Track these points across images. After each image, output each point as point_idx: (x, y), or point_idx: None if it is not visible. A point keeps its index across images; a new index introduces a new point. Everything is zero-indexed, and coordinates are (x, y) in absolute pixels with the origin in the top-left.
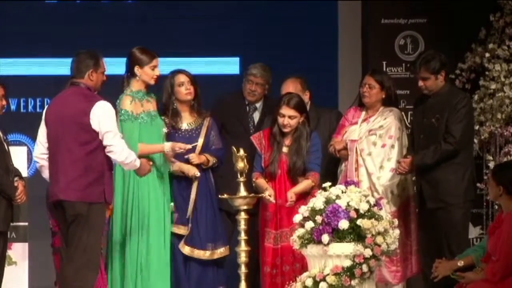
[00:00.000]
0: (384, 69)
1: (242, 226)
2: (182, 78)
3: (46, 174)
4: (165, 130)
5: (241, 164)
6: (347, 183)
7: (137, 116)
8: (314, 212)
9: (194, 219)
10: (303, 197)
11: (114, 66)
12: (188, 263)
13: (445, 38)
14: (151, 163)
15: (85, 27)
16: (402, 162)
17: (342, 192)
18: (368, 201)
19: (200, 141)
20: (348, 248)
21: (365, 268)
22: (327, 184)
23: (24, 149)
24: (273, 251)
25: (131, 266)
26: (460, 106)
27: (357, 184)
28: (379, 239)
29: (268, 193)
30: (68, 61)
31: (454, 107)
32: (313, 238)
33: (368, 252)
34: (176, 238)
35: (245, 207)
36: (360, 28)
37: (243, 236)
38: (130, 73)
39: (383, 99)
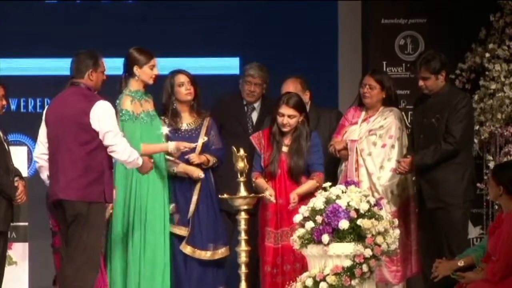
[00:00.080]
0: (384, 69)
1: (242, 226)
2: (182, 78)
3: (44, 175)
4: (167, 130)
5: (241, 164)
6: (347, 183)
7: (137, 116)
8: (314, 212)
9: (195, 220)
10: (307, 197)
11: (114, 66)
12: (188, 263)
13: (445, 38)
14: (152, 160)
15: (85, 27)
16: (402, 162)
17: (342, 192)
18: (368, 201)
19: (200, 141)
20: (348, 248)
21: (365, 268)
22: (327, 184)
23: (24, 149)
24: (273, 250)
25: (133, 266)
26: (460, 106)
27: (357, 184)
28: (379, 239)
29: (269, 193)
30: (68, 61)
31: (454, 107)
32: (313, 238)
33: (368, 252)
34: (176, 238)
35: (245, 207)
36: (360, 28)
37: (243, 236)
38: (129, 73)
39: (383, 99)
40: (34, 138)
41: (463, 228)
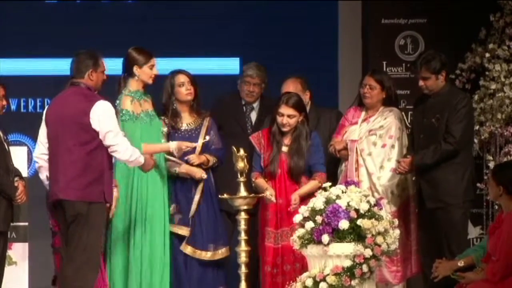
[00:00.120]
0: (384, 69)
1: (242, 226)
2: (182, 78)
3: (43, 175)
4: (165, 129)
5: (241, 164)
6: (347, 183)
7: (137, 116)
8: (314, 212)
9: (196, 220)
10: (307, 197)
11: (114, 66)
12: (188, 263)
13: (445, 38)
14: (154, 157)
15: (85, 27)
16: (401, 162)
17: (342, 192)
18: (368, 201)
19: (200, 141)
20: (348, 248)
21: (365, 268)
22: (327, 184)
23: (24, 149)
24: (273, 250)
25: (135, 265)
26: (460, 106)
27: (357, 184)
28: (379, 239)
29: (269, 193)
30: (68, 61)
31: (454, 107)
32: (313, 238)
33: (368, 252)
34: (176, 238)
35: (245, 207)
36: (360, 28)
37: (243, 236)
38: (128, 73)
39: (383, 99)
40: (34, 138)
41: (463, 228)
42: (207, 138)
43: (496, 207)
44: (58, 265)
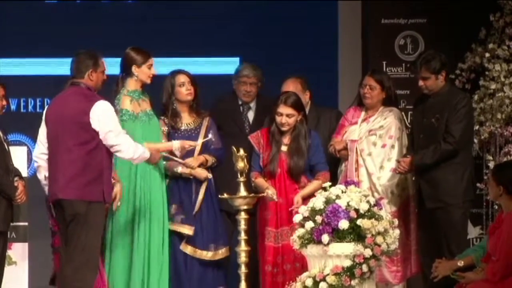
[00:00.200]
0: (384, 69)
1: (242, 226)
2: (182, 78)
3: (41, 175)
4: (165, 129)
5: (241, 164)
6: (347, 183)
7: (137, 115)
8: (314, 212)
9: (197, 220)
10: (308, 197)
11: (114, 66)
12: (188, 263)
13: (445, 38)
14: (160, 147)
15: (85, 27)
16: (401, 162)
17: (342, 192)
18: (368, 201)
19: (200, 141)
20: (348, 248)
21: (365, 268)
22: (327, 184)
23: (24, 149)
24: (274, 249)
25: (138, 262)
26: (460, 106)
27: (357, 184)
28: (379, 239)
29: (271, 192)
30: (68, 61)
31: (454, 107)
32: (313, 238)
33: (368, 252)
34: (177, 237)
35: (245, 207)
36: (360, 28)
37: (243, 236)
38: (126, 73)
39: (383, 99)
40: (34, 138)
41: (462, 228)
42: (209, 136)
43: (496, 207)
44: (57, 265)
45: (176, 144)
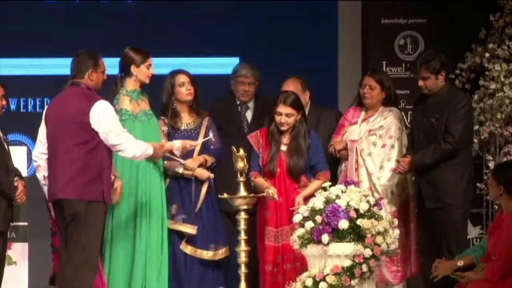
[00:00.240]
0: (384, 69)
1: (242, 226)
2: (182, 78)
3: (41, 174)
4: (164, 129)
5: (241, 164)
6: (347, 183)
7: (136, 115)
8: (314, 212)
9: (198, 219)
10: (309, 197)
11: (114, 66)
12: (188, 262)
13: (445, 38)
14: (165, 144)
15: (85, 27)
16: (401, 162)
17: (342, 192)
18: (368, 201)
19: (200, 141)
20: (348, 248)
21: (365, 268)
22: (327, 184)
23: (24, 149)
24: (274, 249)
25: (139, 261)
26: (459, 106)
27: (357, 184)
28: (379, 239)
29: (272, 191)
30: (68, 61)
31: (454, 107)
32: (313, 238)
33: (368, 252)
34: (177, 237)
35: (245, 207)
36: (360, 28)
37: (243, 236)
38: (125, 72)
39: (383, 99)
40: (34, 138)
41: (462, 228)
42: (210, 135)
43: (496, 207)
44: (57, 265)
45: (177, 144)
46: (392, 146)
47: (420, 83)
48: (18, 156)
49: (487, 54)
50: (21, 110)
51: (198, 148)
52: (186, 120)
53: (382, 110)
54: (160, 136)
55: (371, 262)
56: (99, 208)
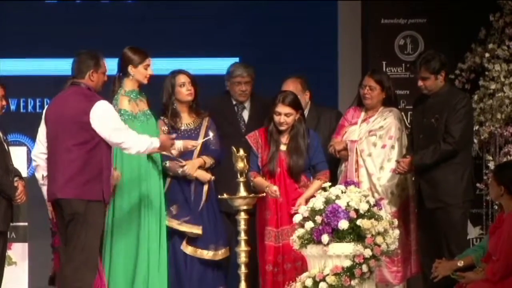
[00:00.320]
0: (384, 69)
1: (242, 226)
2: (183, 78)
3: (39, 174)
4: (164, 129)
5: (241, 164)
6: (347, 183)
7: (135, 115)
8: (314, 212)
9: (200, 220)
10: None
11: (114, 66)
12: (189, 262)
13: (445, 38)
14: (173, 136)
15: (85, 27)
16: (401, 162)
17: (342, 192)
18: (368, 201)
19: (200, 141)
20: (348, 248)
21: (365, 268)
22: (327, 184)
23: (24, 149)
24: (274, 249)
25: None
26: (459, 106)
27: (357, 184)
28: (379, 239)
29: (274, 189)
30: (68, 61)
31: (454, 107)
32: (313, 238)
33: (368, 252)
34: (177, 237)
35: (245, 207)
36: (360, 28)
37: (243, 236)
38: (123, 72)
39: (383, 99)
40: (34, 138)
41: (462, 228)
42: (211, 134)
43: (496, 207)
44: (57, 265)
45: (178, 144)
46: (392, 147)
47: (420, 83)
48: (18, 156)
49: (487, 54)
50: (21, 110)
51: (198, 148)
52: (186, 120)
53: (382, 111)
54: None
55: (371, 263)
56: (98, 208)
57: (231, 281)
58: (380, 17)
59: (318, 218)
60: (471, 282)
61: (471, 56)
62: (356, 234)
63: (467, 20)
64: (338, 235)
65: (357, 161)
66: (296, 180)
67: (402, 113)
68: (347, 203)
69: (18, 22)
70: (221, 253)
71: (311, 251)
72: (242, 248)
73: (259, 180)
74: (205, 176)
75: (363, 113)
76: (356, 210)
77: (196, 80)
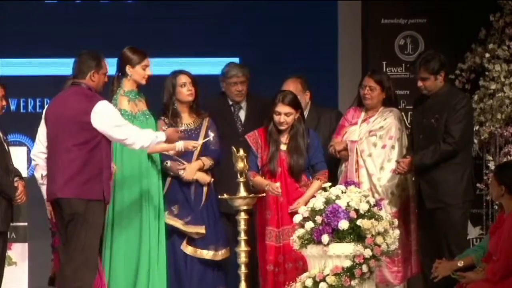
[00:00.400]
0: (384, 69)
1: (242, 226)
2: (184, 78)
3: (39, 173)
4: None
5: (241, 165)
6: (347, 184)
7: (135, 115)
8: (314, 212)
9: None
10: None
11: (114, 66)
12: (189, 262)
13: (445, 38)
14: (179, 129)
15: (85, 27)
16: (401, 162)
17: (342, 192)
18: (368, 201)
19: (200, 141)
20: (348, 248)
21: (365, 268)
22: (327, 184)
23: (24, 149)
24: (275, 249)
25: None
26: (459, 106)
27: (357, 184)
28: (379, 240)
29: (276, 185)
30: (68, 61)
31: (454, 108)
32: (313, 238)
33: (368, 253)
34: (177, 237)
35: (245, 207)
36: (360, 28)
37: (243, 236)
38: (121, 73)
39: (383, 99)
40: (34, 138)
41: (462, 228)
42: (212, 134)
43: (496, 207)
44: (57, 265)
45: (179, 145)
46: (393, 147)
47: (419, 83)
48: (18, 156)
49: (487, 55)
50: (21, 110)
51: (198, 148)
52: (186, 120)
53: (382, 111)
54: None
55: (371, 263)
56: (98, 207)
57: (231, 281)
58: (380, 17)
59: (318, 218)
60: (471, 282)
61: (471, 56)
62: (356, 234)
63: (467, 20)
64: (338, 235)
65: (357, 161)
66: (297, 179)
67: (402, 113)
68: (347, 203)
69: (18, 22)
70: (221, 254)
71: (311, 251)
72: (242, 248)
73: (259, 179)
74: (205, 178)
75: (363, 113)
76: (356, 210)
77: (197, 80)
